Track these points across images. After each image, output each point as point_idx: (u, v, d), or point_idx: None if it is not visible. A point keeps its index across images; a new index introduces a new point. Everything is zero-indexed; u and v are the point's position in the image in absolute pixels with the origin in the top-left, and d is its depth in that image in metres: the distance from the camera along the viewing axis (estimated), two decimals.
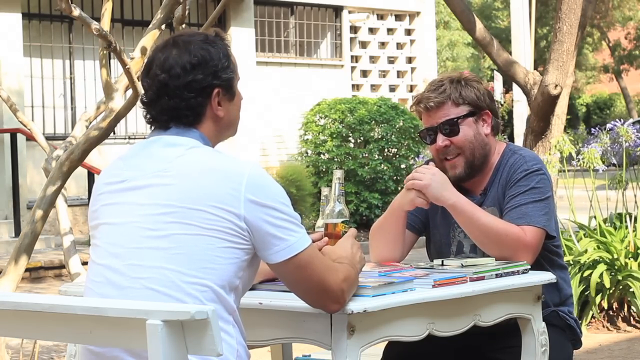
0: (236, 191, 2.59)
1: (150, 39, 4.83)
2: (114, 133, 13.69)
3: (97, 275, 2.68)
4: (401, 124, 14.11)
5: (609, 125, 7.42)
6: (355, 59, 17.81)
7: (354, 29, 17.86)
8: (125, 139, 14.43)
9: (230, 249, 2.59)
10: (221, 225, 2.58)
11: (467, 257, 3.48)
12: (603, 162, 7.26)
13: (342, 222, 3.20)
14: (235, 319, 2.63)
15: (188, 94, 2.67)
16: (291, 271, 2.65)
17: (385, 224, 3.55)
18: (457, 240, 3.56)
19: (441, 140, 3.50)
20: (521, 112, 18.99)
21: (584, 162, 7.24)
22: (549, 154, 7.58)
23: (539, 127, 8.48)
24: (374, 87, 17.89)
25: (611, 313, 7.15)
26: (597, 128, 7.55)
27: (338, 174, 3.24)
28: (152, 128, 2.75)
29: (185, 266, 2.56)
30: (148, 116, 2.74)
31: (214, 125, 2.73)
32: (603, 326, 7.09)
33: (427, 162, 3.64)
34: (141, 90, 4.66)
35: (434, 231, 3.62)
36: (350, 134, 14.02)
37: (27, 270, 9.73)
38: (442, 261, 3.25)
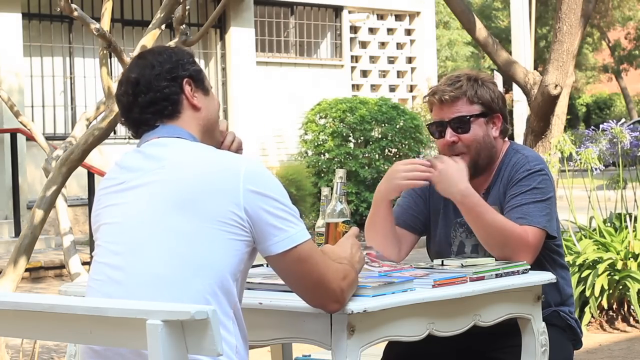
0: (235, 182, 2.60)
1: (150, 39, 4.83)
2: (114, 133, 13.68)
3: (98, 274, 2.68)
4: (402, 124, 14.11)
5: (602, 126, 7.42)
6: (355, 59, 17.81)
7: (354, 29, 17.85)
8: (125, 139, 14.42)
9: (231, 241, 2.59)
10: (222, 216, 2.58)
11: (468, 257, 3.48)
12: (601, 162, 7.26)
13: (343, 221, 3.20)
14: (236, 314, 2.63)
15: (160, 84, 2.74)
16: (290, 264, 2.64)
17: (373, 219, 3.54)
18: (458, 240, 3.56)
19: (450, 135, 3.50)
20: (521, 112, 18.98)
21: (581, 163, 7.24)
22: (549, 154, 7.58)
23: (539, 127, 8.48)
24: (374, 87, 17.88)
25: (611, 313, 7.15)
26: (591, 129, 7.55)
27: (340, 173, 3.24)
28: (141, 133, 2.78)
29: (186, 261, 2.56)
30: (131, 124, 2.79)
31: (195, 119, 2.77)
32: (603, 326, 7.09)
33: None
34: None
35: (435, 231, 3.62)
36: (351, 134, 14.02)
37: (27, 270, 9.72)
38: (442, 261, 3.25)
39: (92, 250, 10.67)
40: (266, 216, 2.61)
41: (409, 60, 18.43)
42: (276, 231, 2.61)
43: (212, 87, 2.90)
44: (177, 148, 2.69)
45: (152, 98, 2.74)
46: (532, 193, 3.41)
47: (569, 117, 27.46)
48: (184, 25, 5.26)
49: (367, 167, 13.83)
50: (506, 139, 3.62)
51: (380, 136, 14.07)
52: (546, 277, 3.28)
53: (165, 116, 2.74)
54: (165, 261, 2.58)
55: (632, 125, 7.65)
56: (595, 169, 7.20)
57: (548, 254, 3.49)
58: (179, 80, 2.76)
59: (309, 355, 4.16)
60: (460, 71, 3.61)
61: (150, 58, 2.78)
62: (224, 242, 2.58)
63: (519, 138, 18.79)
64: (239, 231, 2.60)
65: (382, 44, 18.16)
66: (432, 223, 3.62)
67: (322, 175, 14.04)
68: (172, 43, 5.07)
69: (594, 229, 7.44)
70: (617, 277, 7.01)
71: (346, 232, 3.11)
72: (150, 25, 4.92)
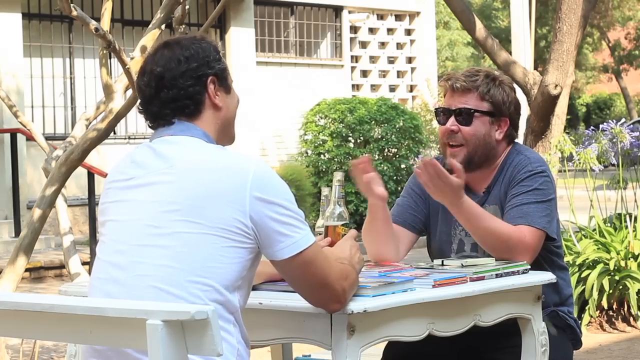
0: (242, 188, 2.59)
1: (150, 38, 4.82)
2: (114, 133, 13.68)
3: (101, 272, 2.68)
4: (401, 124, 14.10)
5: (602, 126, 7.43)
6: (355, 59, 17.81)
7: (354, 29, 17.85)
8: (125, 139, 14.43)
9: (234, 248, 2.59)
10: (226, 223, 2.58)
11: (468, 255, 3.49)
12: (601, 162, 7.26)
13: (342, 224, 3.20)
14: (236, 318, 2.63)
15: (185, 82, 2.71)
16: (296, 268, 2.65)
17: (372, 222, 3.51)
18: (458, 239, 3.56)
19: (451, 123, 3.51)
20: (521, 112, 18.96)
21: (580, 163, 7.25)
22: (549, 154, 7.58)
23: (539, 127, 8.47)
24: (374, 87, 17.88)
25: (611, 313, 7.15)
26: (591, 129, 7.56)
27: (338, 176, 3.24)
28: (157, 127, 2.76)
29: (188, 265, 2.56)
30: (150, 117, 2.75)
31: (214, 119, 2.75)
32: (603, 326, 7.09)
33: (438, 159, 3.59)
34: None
35: (435, 229, 3.62)
36: (350, 134, 14.01)
37: (27, 270, 9.73)
38: (442, 261, 3.25)
39: (92, 250, 10.67)
40: (272, 223, 2.61)
41: (409, 60, 18.42)
42: (282, 237, 2.62)
43: (232, 81, 2.87)
44: (188, 148, 2.68)
45: (175, 95, 2.71)
46: (533, 194, 3.42)
47: (569, 117, 27.46)
48: (183, 25, 5.26)
49: None
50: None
51: (379, 136, 14.06)
52: (546, 277, 3.28)
53: (185, 114, 2.72)
54: (165, 265, 2.57)
55: (632, 125, 7.65)
56: (594, 169, 7.20)
57: (547, 255, 3.49)
58: (204, 79, 2.73)
59: (309, 355, 4.17)
60: (484, 68, 3.62)
61: (177, 51, 2.73)
62: (226, 250, 2.58)
63: (519, 138, 18.80)
64: (243, 239, 2.60)
65: (382, 44, 18.16)
66: (432, 222, 3.63)
67: (322, 175, 14.03)
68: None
69: (594, 229, 7.43)
70: (617, 277, 7.01)
71: (345, 234, 3.11)
72: (150, 25, 4.92)
